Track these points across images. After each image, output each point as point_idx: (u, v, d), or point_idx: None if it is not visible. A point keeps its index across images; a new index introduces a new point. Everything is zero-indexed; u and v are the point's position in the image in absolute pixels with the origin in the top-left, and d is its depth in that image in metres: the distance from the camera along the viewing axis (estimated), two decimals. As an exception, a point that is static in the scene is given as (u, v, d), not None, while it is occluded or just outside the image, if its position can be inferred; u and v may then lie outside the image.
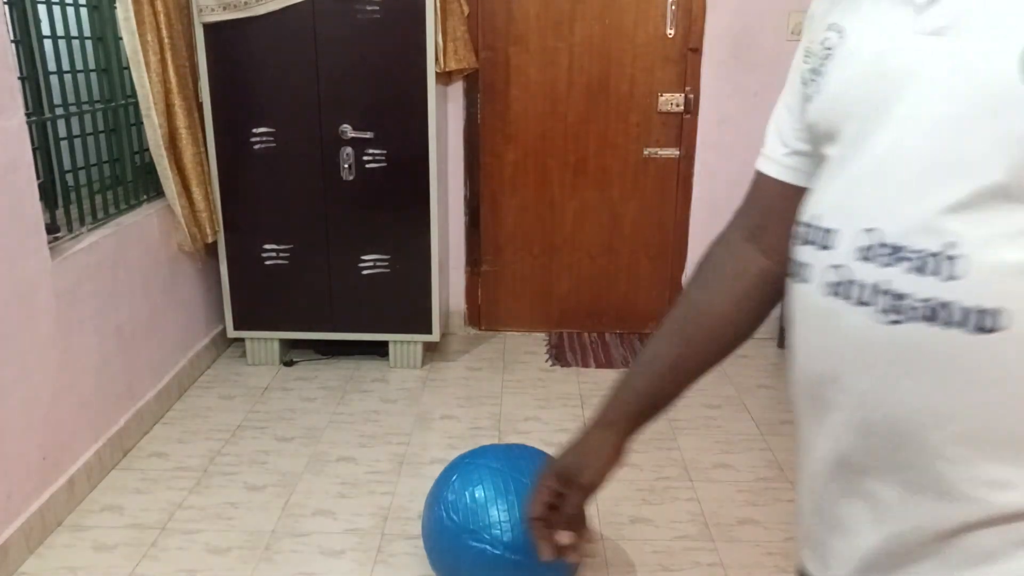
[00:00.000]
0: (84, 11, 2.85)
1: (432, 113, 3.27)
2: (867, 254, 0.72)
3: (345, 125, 3.29)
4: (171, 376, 3.25)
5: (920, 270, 0.68)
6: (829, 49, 0.80)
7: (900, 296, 0.69)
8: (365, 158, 3.33)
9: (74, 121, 2.79)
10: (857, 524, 0.79)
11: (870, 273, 0.71)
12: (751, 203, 1.05)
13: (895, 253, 0.69)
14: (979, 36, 0.67)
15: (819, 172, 0.82)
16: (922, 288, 0.68)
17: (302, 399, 3.33)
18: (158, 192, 3.19)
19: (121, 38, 2.85)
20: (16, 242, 2.29)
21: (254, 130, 3.32)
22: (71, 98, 2.77)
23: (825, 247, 0.76)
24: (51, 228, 2.57)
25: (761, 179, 1.00)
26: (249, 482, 2.72)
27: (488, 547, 1.96)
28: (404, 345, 3.60)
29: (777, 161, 0.95)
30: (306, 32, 3.20)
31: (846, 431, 0.78)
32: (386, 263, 3.46)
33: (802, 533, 0.99)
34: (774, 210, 0.97)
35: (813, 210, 0.79)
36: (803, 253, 0.80)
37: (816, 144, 0.85)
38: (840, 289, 0.74)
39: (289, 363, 3.65)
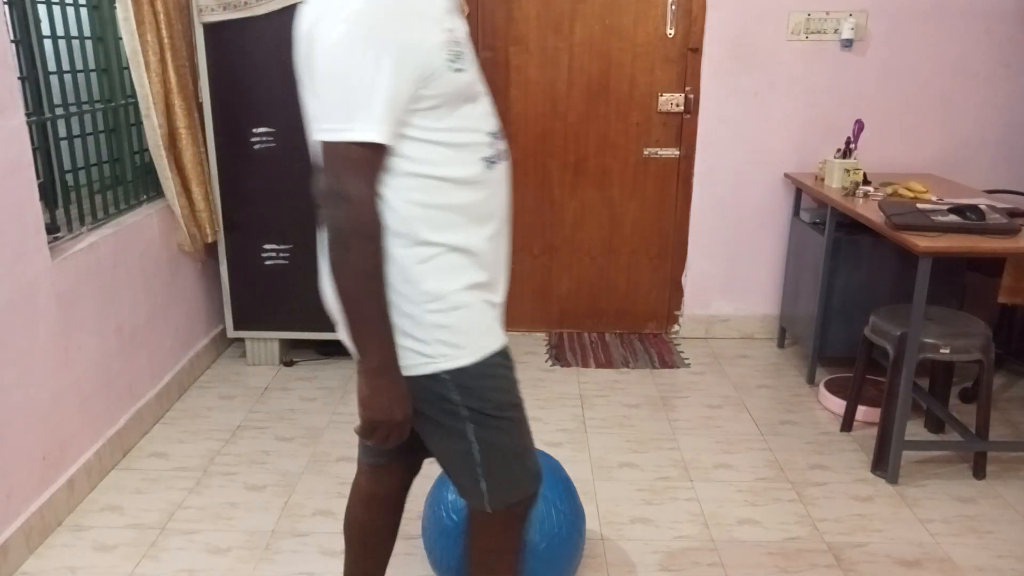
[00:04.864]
0: (84, 11, 2.85)
1: (432, 113, 3.26)
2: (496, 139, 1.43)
3: (345, 125, 3.29)
4: (171, 376, 3.25)
5: None
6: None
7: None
8: (365, 158, 3.33)
9: (74, 121, 2.79)
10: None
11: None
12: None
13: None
14: None
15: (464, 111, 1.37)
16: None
17: (302, 399, 3.33)
18: (158, 192, 3.19)
19: (121, 38, 2.85)
20: (16, 242, 2.29)
21: (254, 130, 3.32)
22: (71, 98, 2.77)
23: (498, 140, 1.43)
24: (51, 228, 2.57)
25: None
26: (249, 482, 2.72)
27: (488, 547, 1.96)
28: (404, 345, 3.59)
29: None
30: (306, 32, 3.20)
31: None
32: (386, 263, 3.46)
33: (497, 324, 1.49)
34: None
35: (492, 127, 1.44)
36: (497, 146, 1.44)
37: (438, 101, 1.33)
38: (501, 160, 1.46)
39: (289, 363, 3.65)
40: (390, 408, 1.39)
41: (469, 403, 1.45)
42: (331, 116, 1.27)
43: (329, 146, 1.27)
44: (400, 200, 1.35)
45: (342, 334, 1.47)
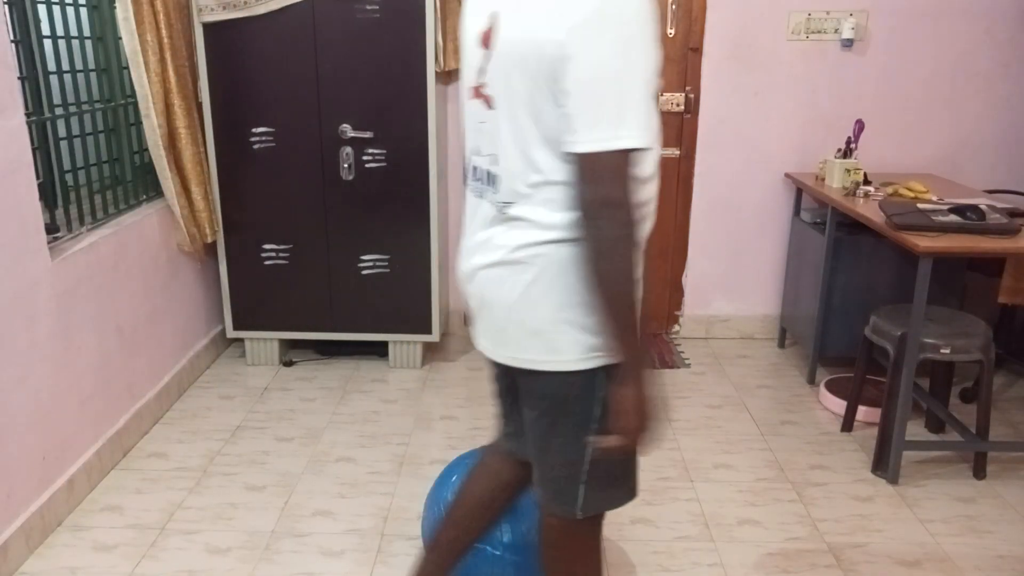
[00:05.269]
0: (84, 11, 2.85)
1: (432, 113, 3.27)
2: None
3: (345, 125, 3.29)
4: (171, 376, 3.25)
5: None
6: None
7: None
8: (365, 158, 3.33)
9: (74, 121, 2.79)
10: None
11: None
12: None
13: None
14: None
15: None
16: None
17: (302, 399, 3.33)
18: (158, 192, 3.19)
19: (121, 38, 2.85)
20: (16, 242, 2.29)
21: (254, 130, 3.32)
22: (71, 98, 2.77)
23: None
24: (51, 228, 2.57)
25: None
26: (249, 482, 2.72)
27: (488, 547, 1.96)
28: (404, 345, 3.60)
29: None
30: (306, 32, 3.20)
31: None
32: (386, 263, 3.46)
33: None
34: None
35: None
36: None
37: None
38: None
39: (289, 363, 3.64)
40: (656, 411, 1.40)
41: (607, 403, 1.45)
42: (597, 126, 1.27)
43: (596, 156, 1.27)
44: None
45: (510, 352, 1.48)
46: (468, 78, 1.48)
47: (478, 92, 1.45)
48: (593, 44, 1.26)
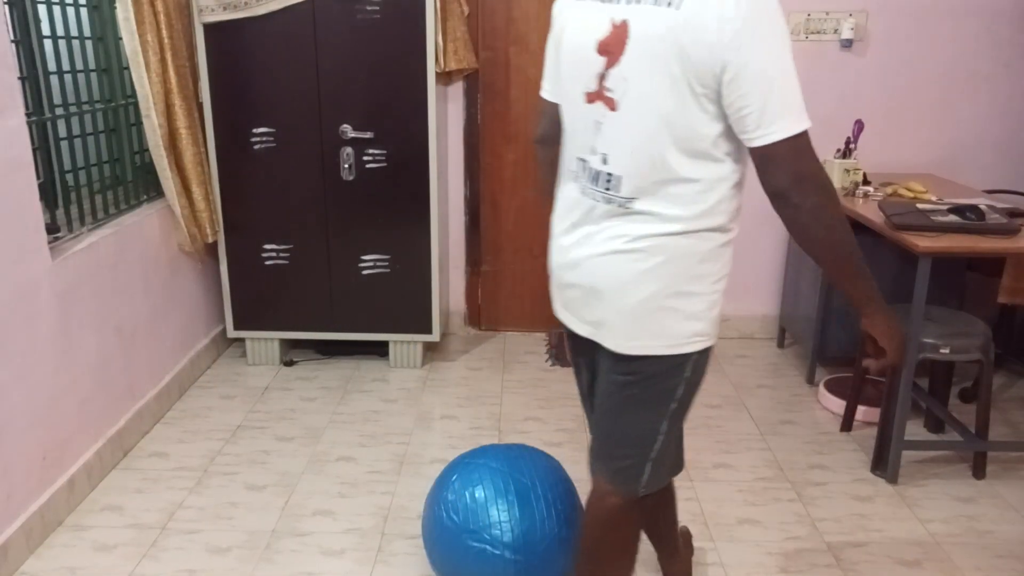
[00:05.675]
0: (84, 11, 2.85)
1: (432, 113, 3.27)
2: None
3: (345, 125, 3.30)
4: (171, 376, 3.25)
5: None
6: None
7: None
8: (365, 158, 3.34)
9: (74, 121, 2.79)
10: None
11: None
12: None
13: None
14: None
15: None
16: None
17: (302, 399, 3.33)
18: (158, 192, 3.19)
19: (121, 38, 2.85)
20: (16, 242, 2.29)
21: (254, 130, 3.32)
22: (71, 98, 2.77)
23: None
24: (51, 228, 2.57)
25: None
26: (249, 482, 2.72)
27: (488, 547, 1.96)
28: (404, 345, 3.60)
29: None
30: (306, 32, 3.20)
31: None
32: (386, 263, 3.46)
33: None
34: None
35: None
36: None
37: None
38: None
39: (289, 363, 3.65)
40: (902, 327, 1.55)
41: (689, 383, 1.56)
42: (782, 115, 1.36)
43: (787, 142, 1.36)
44: (727, 185, 1.49)
45: (616, 340, 1.55)
46: (581, 83, 1.52)
47: (597, 96, 1.49)
48: (758, 43, 1.33)
